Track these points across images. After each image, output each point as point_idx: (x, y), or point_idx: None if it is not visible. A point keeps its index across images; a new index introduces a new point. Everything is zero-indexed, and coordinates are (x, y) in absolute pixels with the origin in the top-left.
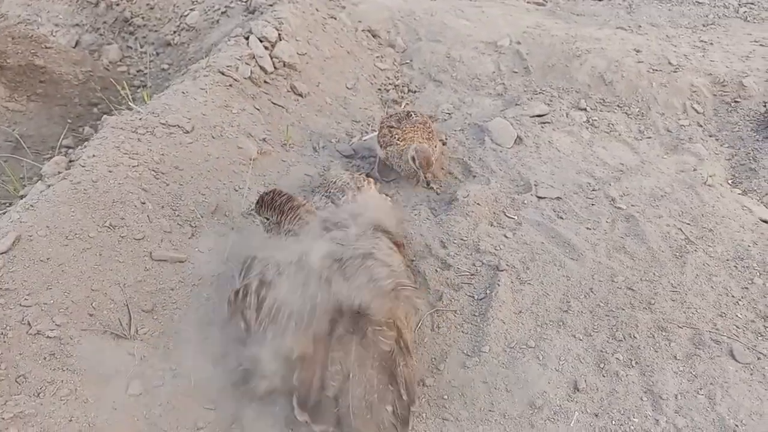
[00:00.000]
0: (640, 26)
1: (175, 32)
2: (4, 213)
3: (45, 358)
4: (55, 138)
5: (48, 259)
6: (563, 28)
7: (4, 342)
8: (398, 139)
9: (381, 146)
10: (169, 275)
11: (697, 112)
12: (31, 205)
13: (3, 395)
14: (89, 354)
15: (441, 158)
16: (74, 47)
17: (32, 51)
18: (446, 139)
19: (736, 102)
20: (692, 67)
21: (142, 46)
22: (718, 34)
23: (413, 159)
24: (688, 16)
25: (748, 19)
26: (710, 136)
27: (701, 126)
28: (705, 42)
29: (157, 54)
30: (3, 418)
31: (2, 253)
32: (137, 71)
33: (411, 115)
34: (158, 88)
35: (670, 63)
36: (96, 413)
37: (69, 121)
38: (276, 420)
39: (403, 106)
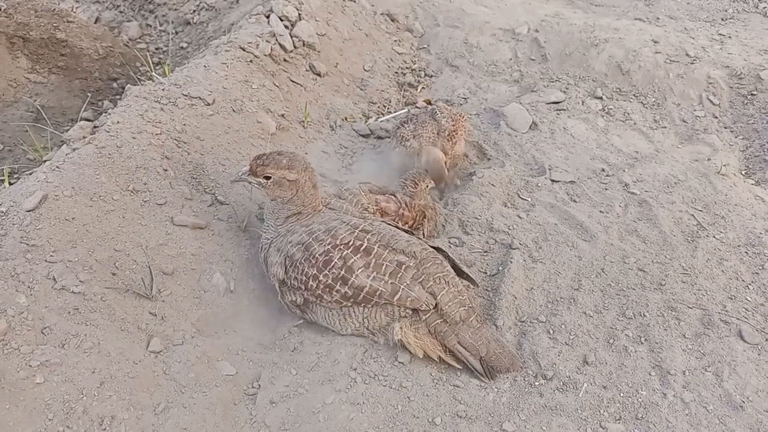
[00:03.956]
0: (658, 18)
1: (194, 11)
2: (30, 173)
3: (69, 313)
4: (75, 110)
5: (73, 218)
6: (582, 17)
7: (31, 295)
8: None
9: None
10: (190, 240)
11: (713, 104)
12: (57, 167)
13: (30, 344)
14: (112, 311)
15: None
16: (95, 23)
17: (54, 24)
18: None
19: (752, 95)
20: (709, 59)
21: (161, 24)
22: (736, 27)
23: (426, 171)
24: (707, 10)
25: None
26: (725, 128)
27: (717, 117)
28: (723, 35)
29: (177, 32)
30: (30, 365)
31: (29, 211)
32: (156, 49)
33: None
34: (177, 67)
35: (687, 54)
36: (118, 367)
37: (89, 94)
38: (293, 378)
39: (419, 91)
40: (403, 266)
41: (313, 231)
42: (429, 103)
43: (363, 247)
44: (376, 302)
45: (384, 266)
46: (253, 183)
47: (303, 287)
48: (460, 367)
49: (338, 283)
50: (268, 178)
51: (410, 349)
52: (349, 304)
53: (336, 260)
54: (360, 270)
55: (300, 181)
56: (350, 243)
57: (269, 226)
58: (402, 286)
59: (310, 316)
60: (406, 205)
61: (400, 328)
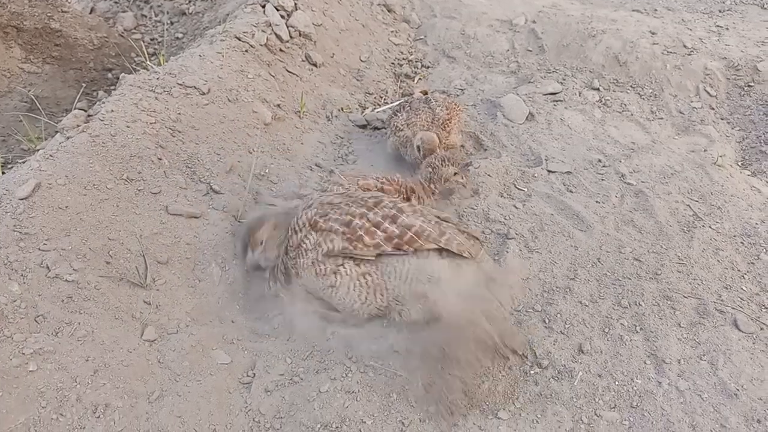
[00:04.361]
0: (656, 10)
1: (190, 1)
2: (24, 162)
3: (63, 301)
4: (69, 101)
5: (66, 207)
6: (579, 8)
7: (24, 283)
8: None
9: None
10: (185, 230)
11: (710, 95)
12: (51, 155)
13: (23, 332)
14: (106, 299)
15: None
16: (89, 14)
17: (48, 14)
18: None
19: (749, 86)
20: (707, 50)
21: (156, 15)
22: (734, 19)
23: (418, 148)
24: (705, 2)
25: (765, 6)
26: (722, 119)
27: (713, 109)
28: (721, 27)
29: (172, 23)
30: (23, 353)
31: (22, 199)
32: (151, 39)
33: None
34: (172, 57)
35: (684, 46)
36: (111, 355)
37: (83, 84)
38: (287, 367)
39: (416, 81)
40: (444, 220)
41: (345, 191)
42: (425, 93)
43: (406, 204)
44: (419, 245)
45: (428, 215)
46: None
47: (344, 227)
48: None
49: (387, 221)
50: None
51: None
52: (389, 249)
53: (386, 202)
54: (409, 212)
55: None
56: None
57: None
58: (448, 231)
59: (341, 275)
60: (387, 180)
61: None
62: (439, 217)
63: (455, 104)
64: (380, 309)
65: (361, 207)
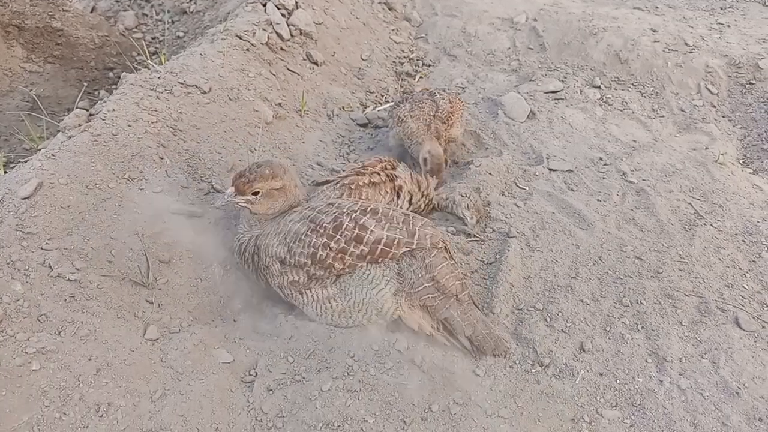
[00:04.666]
0: (657, 7)
1: (191, 0)
2: (26, 161)
3: (65, 300)
4: (71, 100)
5: (69, 206)
6: (580, 6)
7: (27, 282)
8: None
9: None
10: (186, 229)
11: (711, 93)
12: (53, 155)
13: (26, 331)
14: (108, 299)
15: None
16: (90, 13)
17: (50, 13)
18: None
19: (750, 84)
20: (708, 48)
21: (157, 14)
22: (735, 17)
23: (425, 162)
24: None
25: (767, 3)
26: (723, 117)
27: (715, 106)
28: (722, 24)
29: (173, 22)
30: (26, 352)
31: (25, 198)
32: (152, 38)
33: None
34: (173, 56)
35: (686, 44)
36: (114, 354)
37: (85, 83)
38: (289, 365)
39: (417, 80)
40: (411, 216)
41: (315, 207)
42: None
43: (370, 208)
44: (393, 254)
45: (394, 218)
46: (241, 203)
47: (310, 261)
48: (449, 344)
49: (352, 245)
50: (256, 193)
51: (406, 321)
52: (364, 264)
53: (347, 223)
54: (373, 225)
55: (286, 186)
56: (356, 209)
57: (248, 228)
58: (417, 228)
59: (307, 297)
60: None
61: (396, 301)
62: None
63: (459, 99)
64: (351, 312)
65: (321, 236)
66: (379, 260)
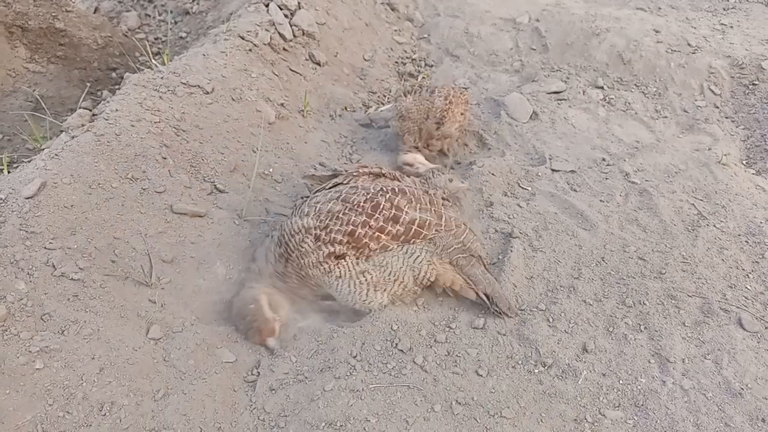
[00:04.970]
0: (660, 8)
1: (193, 1)
2: (29, 161)
3: (69, 299)
4: (74, 100)
5: (72, 206)
6: (583, 6)
7: (30, 281)
8: None
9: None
10: (189, 228)
11: (714, 94)
12: (56, 155)
13: (30, 330)
14: (111, 298)
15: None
16: (94, 13)
17: (53, 14)
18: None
19: (753, 84)
20: (711, 48)
21: (160, 14)
22: (738, 17)
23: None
24: (709, 0)
25: None
26: (726, 118)
27: (718, 107)
28: (725, 25)
29: (176, 22)
30: (30, 351)
31: (28, 198)
32: (155, 39)
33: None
34: (176, 56)
35: (689, 44)
36: (117, 353)
37: (88, 84)
38: (292, 365)
39: (419, 80)
40: (434, 197)
41: (339, 190)
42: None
43: (399, 188)
44: (425, 235)
45: (422, 199)
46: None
47: (348, 238)
48: (472, 297)
49: (389, 224)
50: (276, 320)
51: (441, 278)
52: (396, 245)
53: (383, 203)
54: (407, 206)
55: (279, 310)
56: (385, 189)
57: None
58: (443, 211)
59: (342, 270)
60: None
61: (430, 265)
62: (427, 192)
63: (461, 93)
64: (388, 282)
65: (361, 215)
66: (412, 241)
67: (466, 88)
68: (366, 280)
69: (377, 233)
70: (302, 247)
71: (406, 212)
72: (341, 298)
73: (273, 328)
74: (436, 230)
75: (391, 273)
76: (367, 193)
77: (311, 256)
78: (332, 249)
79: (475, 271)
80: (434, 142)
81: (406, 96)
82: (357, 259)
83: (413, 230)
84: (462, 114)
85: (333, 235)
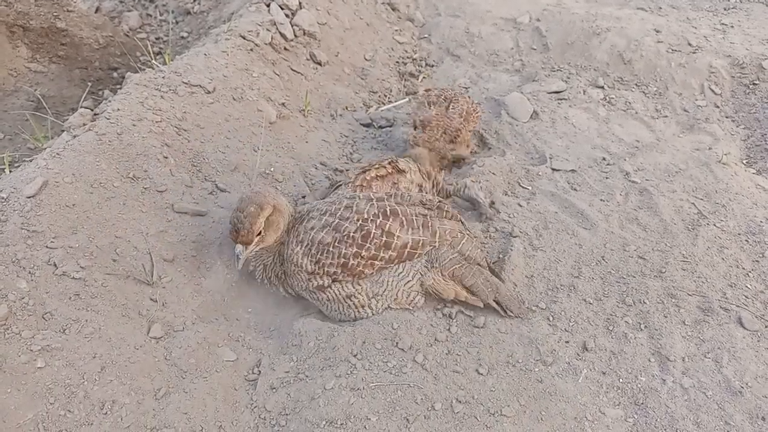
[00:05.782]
0: (660, 8)
1: (194, 0)
2: (31, 160)
3: (70, 298)
4: (75, 100)
5: (73, 205)
6: (583, 6)
7: (32, 280)
8: None
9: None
10: (190, 227)
11: (715, 93)
12: (58, 154)
13: (31, 329)
14: (113, 297)
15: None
16: (95, 13)
17: (54, 14)
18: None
19: (754, 84)
20: (712, 48)
21: (161, 14)
22: (739, 17)
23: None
24: (710, 0)
25: None
26: (727, 117)
27: (718, 107)
28: (726, 25)
29: (177, 22)
30: (31, 350)
31: (30, 197)
32: (156, 38)
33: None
34: (177, 56)
35: (689, 44)
36: (118, 352)
37: (89, 83)
38: (293, 364)
39: (420, 80)
40: (428, 215)
41: (332, 211)
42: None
43: (389, 210)
44: (419, 254)
45: (414, 220)
46: (255, 249)
47: (340, 270)
48: (481, 305)
49: (381, 251)
50: (260, 233)
51: (443, 293)
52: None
53: (374, 231)
54: (398, 230)
55: (276, 204)
56: (377, 212)
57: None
58: (437, 227)
59: (332, 293)
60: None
61: (431, 276)
62: (422, 203)
63: (475, 108)
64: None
65: (352, 246)
66: (406, 261)
67: (464, 90)
68: (358, 300)
69: (370, 261)
70: (298, 276)
71: (398, 237)
72: (331, 313)
73: (251, 239)
74: (431, 246)
75: (387, 290)
76: (359, 220)
77: (304, 284)
78: (321, 282)
79: (477, 281)
80: (444, 162)
81: (427, 107)
82: (352, 281)
83: (406, 253)
84: (470, 132)
85: (326, 268)
